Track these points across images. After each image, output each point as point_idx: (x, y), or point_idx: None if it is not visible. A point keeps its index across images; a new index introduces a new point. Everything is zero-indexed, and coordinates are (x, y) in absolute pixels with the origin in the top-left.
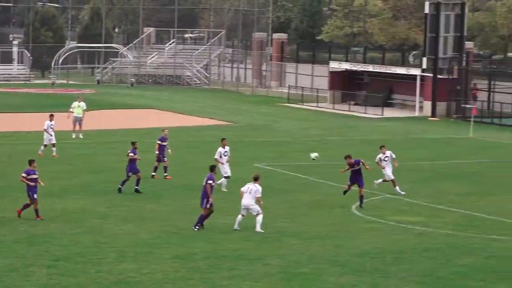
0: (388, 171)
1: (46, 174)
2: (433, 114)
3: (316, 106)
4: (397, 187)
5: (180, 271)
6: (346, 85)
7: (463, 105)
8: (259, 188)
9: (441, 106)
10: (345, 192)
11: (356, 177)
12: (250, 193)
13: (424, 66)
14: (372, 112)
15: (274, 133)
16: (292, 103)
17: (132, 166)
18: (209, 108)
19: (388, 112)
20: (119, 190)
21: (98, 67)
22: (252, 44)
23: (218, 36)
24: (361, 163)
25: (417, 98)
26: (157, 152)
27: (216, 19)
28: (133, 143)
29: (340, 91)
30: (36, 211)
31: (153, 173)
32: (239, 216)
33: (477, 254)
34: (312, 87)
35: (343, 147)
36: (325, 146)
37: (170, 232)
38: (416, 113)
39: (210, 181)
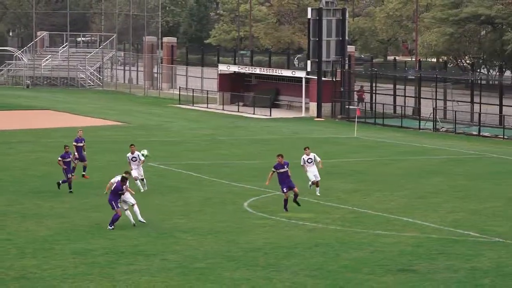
0: (315, 171)
1: None
2: (319, 114)
3: (206, 107)
4: (317, 189)
5: (79, 266)
6: (235, 87)
7: (347, 106)
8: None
9: (326, 107)
10: (286, 202)
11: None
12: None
13: (309, 68)
14: (260, 113)
15: (166, 133)
16: (183, 104)
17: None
18: (103, 109)
19: (276, 113)
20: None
21: None
22: (143, 47)
23: (110, 39)
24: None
25: (303, 99)
26: (75, 153)
27: (107, 23)
28: (64, 147)
29: (229, 92)
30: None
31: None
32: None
33: (364, 248)
34: (202, 88)
35: (232, 146)
36: (216, 145)
37: (68, 229)
38: (303, 114)
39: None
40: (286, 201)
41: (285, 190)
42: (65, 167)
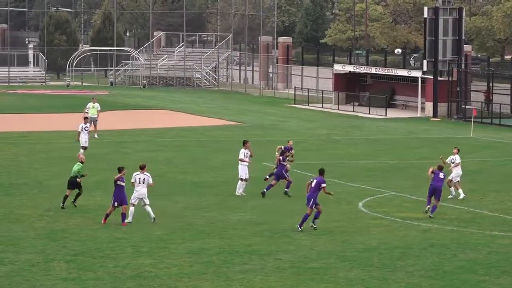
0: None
1: (63, 172)
2: (435, 114)
3: (322, 107)
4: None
5: (194, 265)
6: (350, 87)
7: (463, 106)
8: (150, 177)
9: (442, 107)
10: None
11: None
12: (144, 182)
13: (425, 68)
14: (376, 113)
15: (281, 133)
16: (298, 104)
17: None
18: (218, 108)
19: (391, 113)
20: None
21: (111, 70)
22: (258, 47)
23: (226, 39)
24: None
25: (419, 99)
26: None
27: (223, 23)
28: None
29: (344, 92)
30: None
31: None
32: (131, 208)
33: (480, 249)
34: (317, 88)
35: (348, 146)
36: (331, 145)
37: (184, 228)
38: (418, 114)
39: (324, 185)
40: None
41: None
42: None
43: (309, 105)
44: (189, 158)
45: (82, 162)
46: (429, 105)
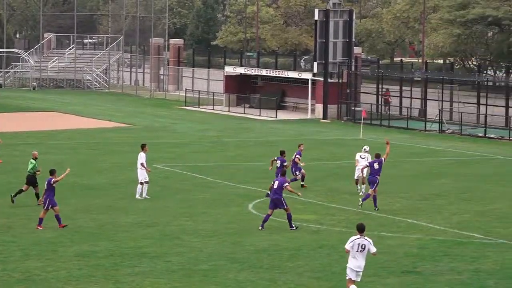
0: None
1: None
2: (325, 116)
3: (212, 109)
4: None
5: (83, 268)
6: (241, 89)
7: (353, 108)
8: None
9: (332, 108)
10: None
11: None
12: None
13: (315, 70)
14: (266, 115)
15: (172, 135)
16: (189, 106)
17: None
18: (109, 111)
19: (282, 115)
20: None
21: (0, 71)
22: (149, 49)
23: (117, 41)
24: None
25: (309, 101)
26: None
27: (114, 25)
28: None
29: (235, 94)
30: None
31: None
32: None
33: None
34: (208, 90)
35: (238, 148)
36: (222, 147)
37: (73, 231)
38: (309, 116)
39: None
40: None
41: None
42: None
43: (200, 107)
44: (79, 160)
45: (35, 159)
46: (319, 107)
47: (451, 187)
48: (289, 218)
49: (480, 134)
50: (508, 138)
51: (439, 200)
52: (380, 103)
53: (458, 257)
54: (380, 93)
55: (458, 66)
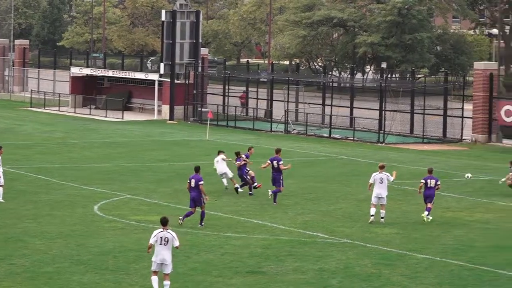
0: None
1: None
2: (171, 117)
3: (58, 110)
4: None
5: None
6: (88, 90)
7: (199, 109)
8: None
9: (179, 109)
10: None
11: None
12: None
13: (162, 71)
14: (113, 116)
15: (17, 136)
16: (34, 107)
17: None
18: None
19: (128, 116)
20: None
21: None
22: None
23: None
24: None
25: (156, 102)
26: None
27: None
28: None
29: (81, 95)
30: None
31: None
32: None
33: (215, 251)
34: (54, 91)
35: (84, 149)
36: (67, 148)
37: None
38: (155, 117)
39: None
40: None
41: None
42: None
43: (46, 108)
44: None
45: None
46: (165, 108)
47: (297, 187)
48: (188, 214)
49: (325, 135)
50: (352, 138)
51: (284, 200)
52: (225, 104)
53: (303, 257)
54: (226, 94)
55: (304, 67)
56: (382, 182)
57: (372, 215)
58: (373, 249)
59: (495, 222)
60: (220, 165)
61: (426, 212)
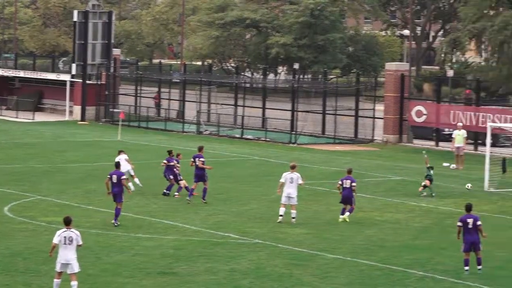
0: None
1: None
2: (83, 118)
3: None
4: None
5: None
6: None
7: (111, 109)
8: None
9: (91, 110)
10: None
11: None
12: None
13: (74, 72)
14: (24, 117)
15: None
16: None
17: None
18: None
19: (39, 117)
20: None
21: None
22: None
23: None
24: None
25: (67, 102)
26: None
27: None
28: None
29: None
30: None
31: None
32: None
33: (125, 252)
34: None
35: None
36: None
37: None
38: (66, 117)
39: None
40: None
41: None
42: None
43: None
44: None
45: None
46: (77, 109)
47: (208, 187)
48: (118, 213)
49: (237, 135)
50: (264, 139)
51: (196, 200)
52: (137, 104)
53: (214, 257)
54: (139, 94)
55: (217, 68)
56: (292, 182)
57: (281, 215)
58: (284, 249)
59: (405, 222)
60: (123, 165)
61: (348, 213)
